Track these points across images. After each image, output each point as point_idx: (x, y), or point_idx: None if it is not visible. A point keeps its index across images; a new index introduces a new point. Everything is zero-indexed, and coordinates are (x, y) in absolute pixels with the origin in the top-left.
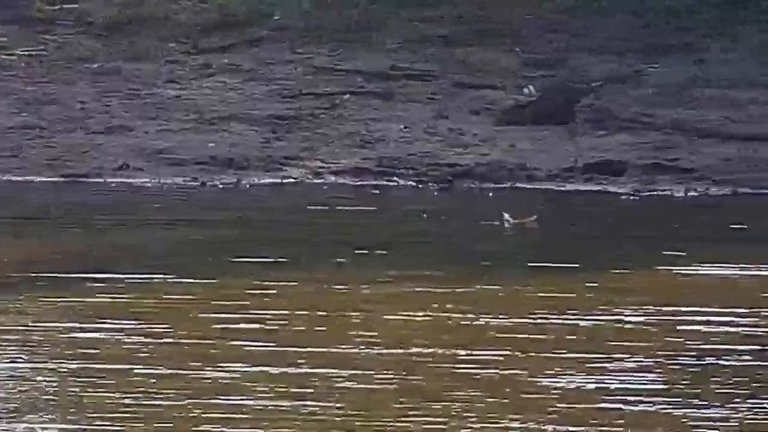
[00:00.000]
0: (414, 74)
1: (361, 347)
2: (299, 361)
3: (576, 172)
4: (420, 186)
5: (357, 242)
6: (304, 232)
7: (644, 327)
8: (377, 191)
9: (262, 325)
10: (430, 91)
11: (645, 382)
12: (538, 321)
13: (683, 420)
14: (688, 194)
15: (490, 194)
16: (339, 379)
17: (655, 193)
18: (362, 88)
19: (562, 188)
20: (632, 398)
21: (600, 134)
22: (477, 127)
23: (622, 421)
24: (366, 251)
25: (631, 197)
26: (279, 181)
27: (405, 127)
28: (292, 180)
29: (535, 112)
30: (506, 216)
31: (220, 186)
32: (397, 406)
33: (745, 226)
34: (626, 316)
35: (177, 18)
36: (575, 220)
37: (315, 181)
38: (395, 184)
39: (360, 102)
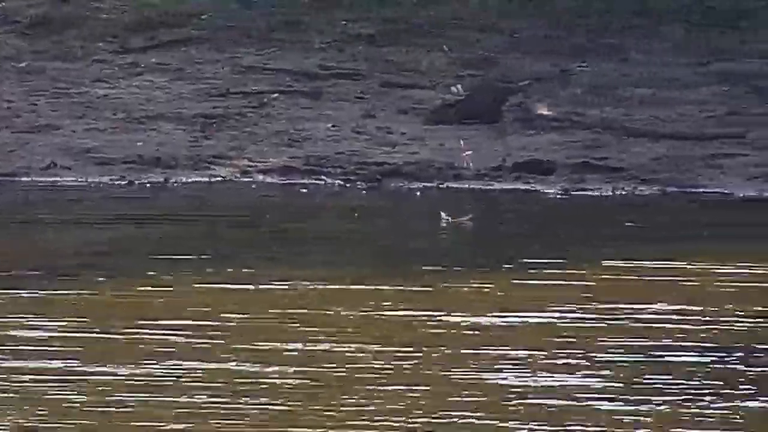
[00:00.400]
0: (342, 73)
1: (295, 343)
2: (230, 356)
3: (504, 171)
4: (348, 185)
5: (287, 240)
6: (233, 230)
7: (581, 324)
8: (305, 190)
9: (193, 322)
10: (358, 90)
11: (587, 379)
12: (475, 319)
13: (624, 417)
14: (617, 193)
15: (419, 193)
16: (272, 375)
17: (584, 192)
18: (290, 87)
19: (490, 187)
20: (579, 395)
21: (529, 133)
22: (405, 126)
23: (566, 418)
24: (296, 248)
25: (560, 196)
26: (207, 180)
27: (333, 126)
28: (221, 179)
29: (463, 112)
30: (443, 215)
31: (148, 185)
32: (334, 402)
33: (649, 225)
34: (562, 313)
35: (104, 17)
36: (505, 219)
37: (243, 179)
38: (323, 183)
39: (288, 101)
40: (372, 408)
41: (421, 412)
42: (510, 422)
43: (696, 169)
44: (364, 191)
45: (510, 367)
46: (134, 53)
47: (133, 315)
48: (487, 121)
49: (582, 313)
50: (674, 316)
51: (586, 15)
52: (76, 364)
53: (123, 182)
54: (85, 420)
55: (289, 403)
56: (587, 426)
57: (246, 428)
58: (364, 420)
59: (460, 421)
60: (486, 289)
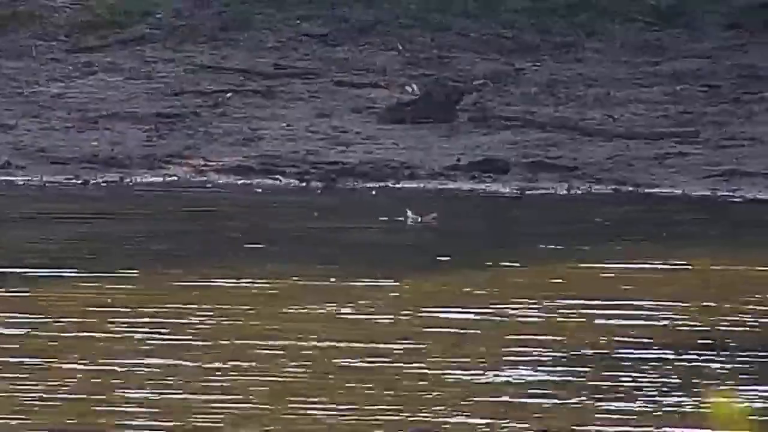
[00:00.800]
0: (296, 73)
1: (263, 341)
2: (199, 354)
3: (459, 170)
4: (303, 184)
5: (245, 239)
6: (189, 229)
7: (540, 320)
8: (260, 189)
9: (158, 320)
10: (312, 89)
11: (549, 375)
12: (437, 315)
13: (587, 413)
14: (571, 192)
15: (374, 192)
16: (242, 372)
17: (539, 191)
18: (244, 87)
19: (445, 186)
20: (537, 391)
21: (483, 132)
22: (359, 125)
23: (529, 414)
24: (254, 247)
25: (515, 195)
26: (162, 179)
27: (287, 126)
28: (176, 178)
29: (418, 111)
30: (410, 213)
31: (103, 184)
32: (299, 399)
33: (607, 223)
34: (523, 310)
35: (58, 16)
36: (461, 218)
37: (198, 179)
38: (278, 182)
39: (242, 100)
40: (339, 405)
41: (382, 407)
42: (474, 418)
43: (649, 168)
44: (318, 191)
45: (469, 362)
46: (88, 52)
47: (92, 310)
48: (442, 120)
49: (537, 311)
50: (632, 312)
51: (539, 14)
52: (32, 361)
53: (78, 182)
54: (44, 414)
55: (255, 401)
56: (547, 419)
57: (213, 425)
58: (331, 415)
59: (425, 415)
60: (446, 286)
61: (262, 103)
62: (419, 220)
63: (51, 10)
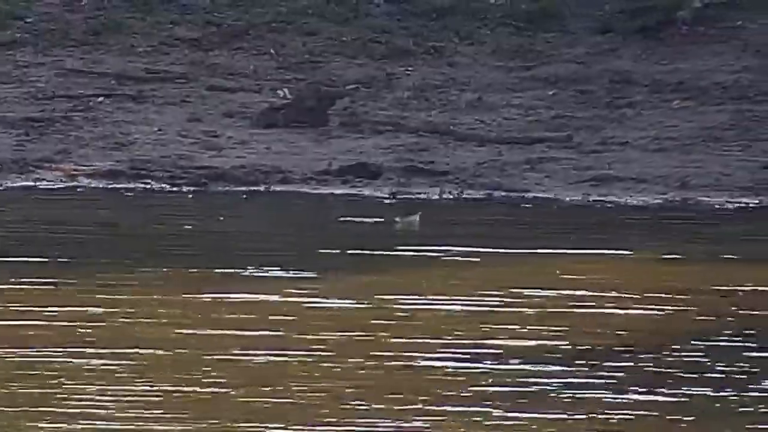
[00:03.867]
0: (168, 77)
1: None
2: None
3: (331, 175)
4: (174, 188)
5: (122, 243)
6: (64, 234)
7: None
8: (131, 194)
9: (47, 322)
10: (184, 94)
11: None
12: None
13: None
14: (443, 197)
15: (245, 197)
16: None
17: (411, 195)
18: (116, 91)
19: (317, 191)
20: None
21: (355, 137)
22: (231, 129)
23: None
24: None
25: (387, 200)
26: (33, 184)
27: (159, 130)
28: (46, 183)
29: (289, 115)
30: (397, 219)
31: None
32: (204, 413)
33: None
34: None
35: None
36: (336, 220)
37: (69, 183)
38: (149, 186)
39: (113, 104)
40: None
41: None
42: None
43: (521, 173)
44: (190, 195)
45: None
46: None
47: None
48: (314, 124)
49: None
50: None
51: (411, 18)
52: None
53: None
54: None
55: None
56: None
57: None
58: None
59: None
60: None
61: (134, 107)
62: (403, 220)
63: None
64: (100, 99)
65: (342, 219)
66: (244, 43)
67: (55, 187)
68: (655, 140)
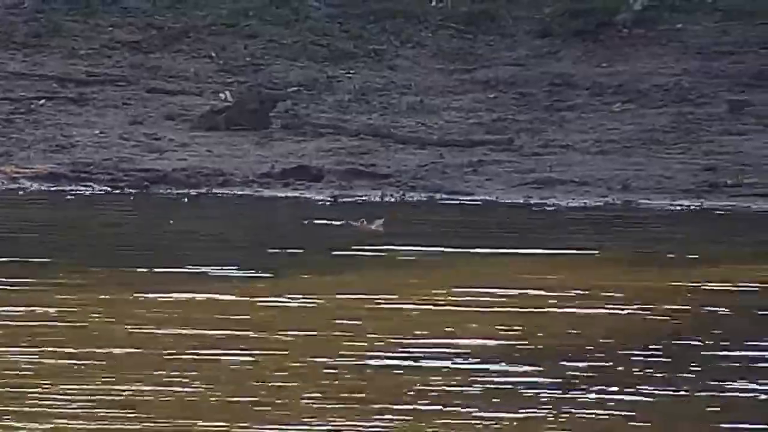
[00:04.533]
0: (108, 80)
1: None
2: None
3: (273, 177)
4: (116, 191)
5: (68, 245)
6: (7, 234)
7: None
8: (72, 197)
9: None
10: (125, 96)
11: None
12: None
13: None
14: (385, 200)
15: (186, 200)
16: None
17: (353, 198)
18: (57, 94)
19: (259, 193)
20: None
21: (297, 140)
22: (172, 132)
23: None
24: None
25: (329, 203)
26: None
27: (100, 133)
28: None
29: (231, 118)
30: (364, 221)
31: None
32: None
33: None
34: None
35: None
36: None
37: (10, 186)
38: (91, 189)
39: (55, 107)
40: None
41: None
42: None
43: (463, 176)
44: (131, 197)
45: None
46: None
47: None
48: (255, 127)
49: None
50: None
51: (352, 21)
52: None
53: None
54: None
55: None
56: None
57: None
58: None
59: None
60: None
61: (75, 110)
62: (366, 225)
63: None
64: (42, 101)
65: (304, 221)
66: (185, 46)
67: None
68: (596, 143)
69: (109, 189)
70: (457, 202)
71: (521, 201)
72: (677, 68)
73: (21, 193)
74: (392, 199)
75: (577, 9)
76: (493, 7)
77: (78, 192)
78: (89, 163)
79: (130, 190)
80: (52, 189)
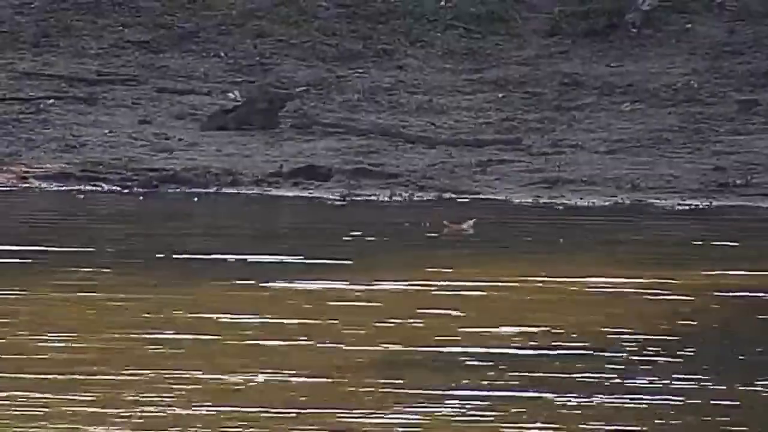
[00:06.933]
0: (118, 79)
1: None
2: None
3: (282, 177)
4: (125, 191)
5: (85, 243)
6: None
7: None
8: (82, 196)
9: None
10: (134, 96)
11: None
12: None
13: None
14: (393, 199)
15: (196, 199)
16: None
17: (362, 197)
18: (66, 93)
19: (268, 193)
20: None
21: (305, 139)
22: (182, 132)
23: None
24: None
25: (338, 202)
26: None
27: (110, 132)
28: None
29: (240, 118)
30: (445, 222)
31: None
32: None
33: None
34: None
35: None
36: (286, 222)
37: (21, 186)
38: (100, 188)
39: (64, 107)
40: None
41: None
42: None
43: (472, 175)
44: (141, 197)
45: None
46: None
47: None
48: (264, 126)
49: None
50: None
51: (361, 21)
52: None
53: None
54: None
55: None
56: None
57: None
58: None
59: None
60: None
61: (84, 109)
62: (453, 227)
63: None
64: (51, 101)
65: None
66: (195, 46)
67: (6, 189)
68: (606, 142)
69: (118, 188)
70: (466, 201)
71: (530, 201)
72: (686, 68)
73: (31, 193)
74: (400, 199)
75: (586, 9)
76: (502, 7)
77: (87, 191)
78: (98, 162)
79: (139, 190)
80: (61, 189)
